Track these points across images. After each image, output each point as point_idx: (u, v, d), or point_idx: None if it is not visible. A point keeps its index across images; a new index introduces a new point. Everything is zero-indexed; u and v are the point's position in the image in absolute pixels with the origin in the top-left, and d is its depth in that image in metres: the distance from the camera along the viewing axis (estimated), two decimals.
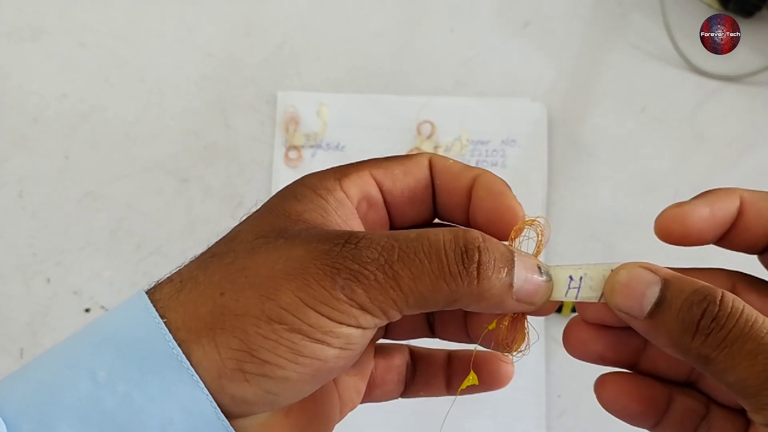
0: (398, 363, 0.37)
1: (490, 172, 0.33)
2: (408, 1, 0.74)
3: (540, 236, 0.32)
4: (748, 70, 0.70)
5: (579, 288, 0.31)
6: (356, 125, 0.69)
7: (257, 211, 0.32)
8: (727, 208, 0.32)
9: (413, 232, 0.29)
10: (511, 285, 0.29)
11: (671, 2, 0.71)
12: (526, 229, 0.32)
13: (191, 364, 0.27)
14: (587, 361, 0.35)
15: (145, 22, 0.73)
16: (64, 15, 0.73)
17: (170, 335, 0.28)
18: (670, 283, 0.29)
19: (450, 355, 0.37)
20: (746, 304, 0.28)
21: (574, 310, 0.62)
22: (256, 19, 0.73)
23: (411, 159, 0.33)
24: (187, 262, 0.32)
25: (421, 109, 0.70)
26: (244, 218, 0.32)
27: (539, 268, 0.30)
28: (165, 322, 0.28)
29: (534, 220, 0.32)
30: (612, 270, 0.30)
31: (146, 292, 0.30)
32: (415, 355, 0.38)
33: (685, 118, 0.70)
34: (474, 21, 0.73)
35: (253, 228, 0.31)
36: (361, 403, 0.36)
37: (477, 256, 0.28)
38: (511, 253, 0.29)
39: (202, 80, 0.71)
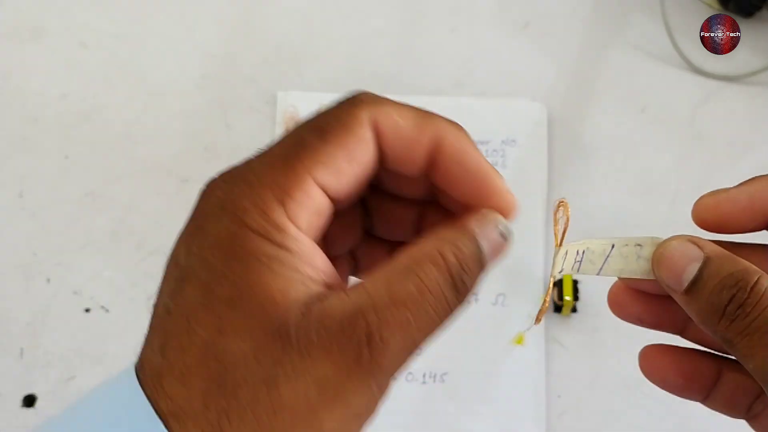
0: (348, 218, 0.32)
1: (446, 126, 0.29)
2: (408, 1, 0.74)
3: (567, 219, 0.32)
4: (748, 70, 0.70)
5: (581, 262, 0.32)
6: None
7: (217, 287, 0.26)
8: (767, 196, 0.32)
9: (410, 283, 0.26)
10: (485, 266, 0.29)
11: (671, 2, 0.71)
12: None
13: None
14: (628, 322, 0.35)
15: (145, 22, 0.73)
16: (64, 15, 0.73)
17: None
18: (711, 262, 0.29)
19: (421, 214, 0.33)
20: None
21: (574, 309, 0.62)
22: (256, 19, 0.73)
23: (352, 133, 0.28)
24: (146, 350, 0.27)
25: None
26: (189, 285, 0.27)
27: (502, 235, 0.29)
28: None
29: (563, 202, 0.32)
30: (613, 245, 0.31)
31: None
32: (359, 262, 0.34)
33: (685, 118, 0.70)
34: (474, 21, 0.73)
35: (241, 332, 0.26)
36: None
37: (465, 285, 0.28)
38: (478, 246, 0.28)
39: (202, 80, 0.71)
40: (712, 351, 0.34)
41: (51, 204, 0.68)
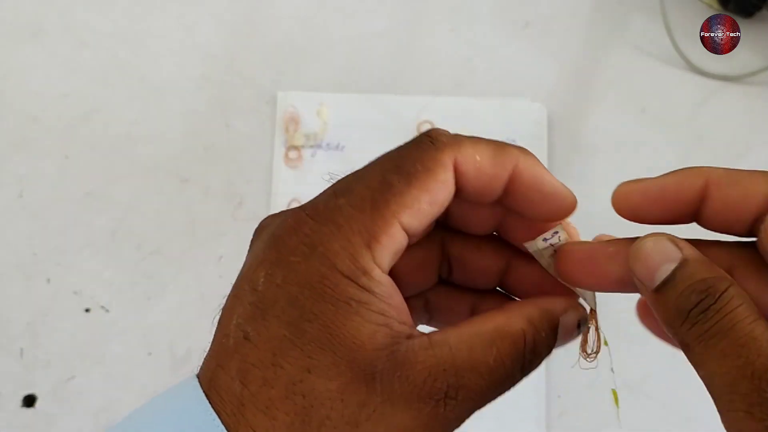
0: (421, 257, 0.33)
1: (523, 156, 0.30)
2: (408, 1, 0.74)
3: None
4: (748, 70, 0.70)
5: (549, 240, 0.32)
6: (356, 125, 0.69)
7: (305, 322, 0.27)
8: (684, 189, 0.31)
9: (490, 355, 0.28)
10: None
11: (671, 2, 0.71)
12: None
13: None
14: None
15: (145, 22, 0.73)
16: (64, 15, 0.73)
17: None
18: (686, 264, 0.28)
19: (474, 305, 0.34)
20: (747, 304, 0.26)
21: None
22: (256, 19, 0.73)
23: (434, 177, 0.29)
24: (238, 386, 0.27)
25: (421, 109, 0.70)
26: (281, 325, 0.27)
27: (579, 325, 0.31)
28: None
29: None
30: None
31: None
32: (431, 306, 0.35)
33: (685, 118, 0.70)
34: (474, 21, 0.73)
35: (329, 372, 0.26)
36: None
37: (533, 363, 0.30)
38: (556, 332, 0.30)
39: (202, 80, 0.71)
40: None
41: (51, 204, 0.68)
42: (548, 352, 0.30)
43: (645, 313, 0.33)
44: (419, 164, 0.29)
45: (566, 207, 0.32)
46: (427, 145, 0.30)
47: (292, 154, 0.69)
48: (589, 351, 0.32)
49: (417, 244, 0.31)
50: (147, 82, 0.71)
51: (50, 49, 0.72)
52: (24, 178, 0.68)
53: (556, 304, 0.31)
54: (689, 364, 0.30)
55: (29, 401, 0.62)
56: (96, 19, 0.73)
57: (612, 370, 0.33)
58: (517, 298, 0.34)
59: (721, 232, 0.31)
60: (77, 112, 0.70)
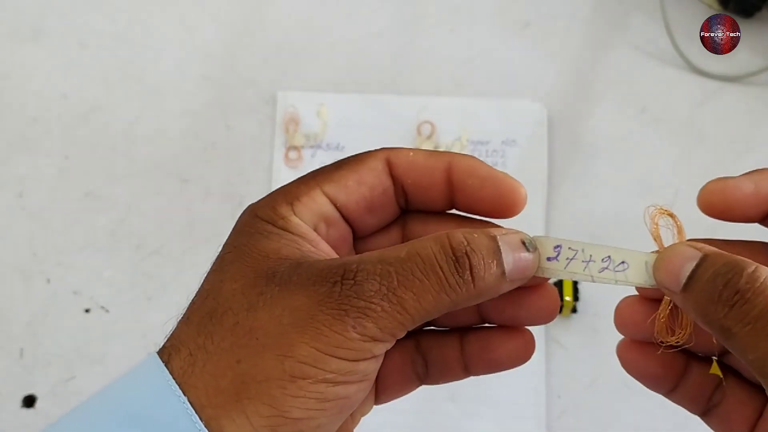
0: (398, 363, 0.35)
1: (457, 154, 0.33)
2: (408, 1, 0.74)
3: (680, 229, 0.32)
4: (748, 70, 0.70)
5: (572, 259, 0.31)
6: (356, 125, 0.69)
7: (226, 254, 0.31)
8: None
9: (402, 250, 0.29)
10: (503, 273, 0.30)
11: (671, 2, 0.71)
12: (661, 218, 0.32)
13: None
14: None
15: (145, 22, 0.73)
16: (64, 15, 0.73)
17: (196, 416, 0.27)
18: (707, 258, 0.29)
19: (462, 337, 0.36)
20: None
21: (575, 310, 0.62)
22: (256, 19, 0.73)
23: (363, 164, 0.33)
24: (176, 322, 0.31)
25: (421, 109, 0.70)
26: (213, 264, 0.31)
27: (524, 243, 0.31)
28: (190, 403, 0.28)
29: (669, 212, 0.32)
30: (611, 253, 0.31)
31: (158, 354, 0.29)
32: (423, 345, 0.36)
33: (685, 118, 0.70)
34: (474, 21, 0.73)
35: (235, 277, 0.30)
36: (377, 404, 0.36)
37: (467, 262, 0.29)
38: (495, 241, 0.30)
39: (202, 80, 0.71)
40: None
41: (51, 204, 0.68)
42: (493, 257, 0.30)
43: (626, 357, 0.34)
44: (351, 157, 0.33)
45: (509, 190, 0.32)
46: (364, 152, 0.34)
47: (292, 154, 0.69)
48: (674, 335, 0.32)
49: (393, 348, 0.33)
50: (147, 82, 0.71)
51: (50, 50, 0.72)
52: (24, 178, 0.68)
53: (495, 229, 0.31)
54: None
55: (29, 401, 0.62)
56: (96, 19, 0.73)
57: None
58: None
59: None
60: (77, 112, 0.70)
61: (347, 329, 0.28)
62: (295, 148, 0.69)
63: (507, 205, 0.32)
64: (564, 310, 0.62)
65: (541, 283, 0.33)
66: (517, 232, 0.31)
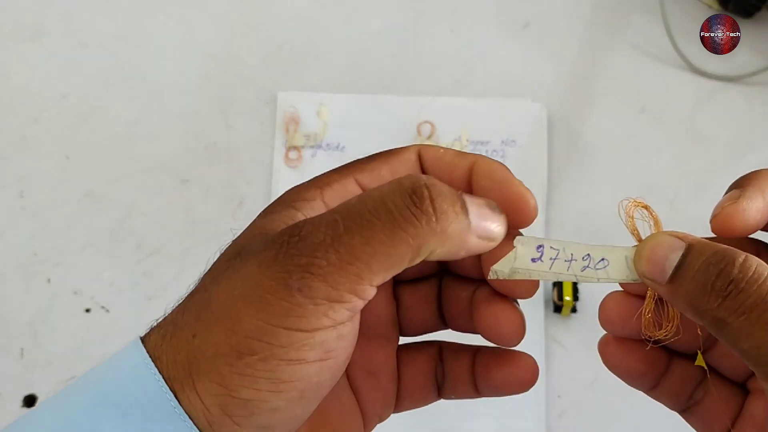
0: (425, 367, 0.34)
1: (485, 157, 0.32)
2: (408, 1, 0.74)
3: (654, 217, 0.31)
4: (748, 70, 0.70)
5: (555, 259, 0.31)
6: (356, 125, 0.69)
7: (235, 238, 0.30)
8: None
9: (354, 198, 0.27)
10: (468, 221, 0.28)
11: (671, 2, 0.71)
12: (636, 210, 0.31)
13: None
14: (617, 335, 0.34)
15: (145, 22, 0.73)
16: (64, 15, 0.73)
17: (170, 391, 0.26)
18: (693, 247, 0.28)
19: (476, 352, 0.34)
20: None
21: (574, 310, 0.62)
22: (256, 19, 0.73)
23: (397, 156, 0.32)
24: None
25: (421, 109, 0.70)
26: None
27: (488, 205, 0.29)
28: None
29: (643, 204, 0.31)
30: (591, 251, 0.30)
31: (141, 338, 0.29)
32: (444, 353, 0.34)
33: (685, 118, 0.70)
34: (474, 21, 0.73)
35: (223, 255, 0.29)
36: (395, 412, 0.35)
37: (427, 193, 0.27)
38: (457, 191, 0.28)
39: (202, 80, 0.71)
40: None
41: (51, 204, 0.68)
42: (451, 200, 0.27)
43: (608, 354, 0.34)
44: (384, 150, 0.32)
45: (517, 196, 0.31)
46: (398, 147, 0.33)
47: (293, 154, 0.69)
48: (659, 328, 0.31)
49: (417, 350, 0.33)
50: (147, 82, 0.71)
51: (51, 50, 0.72)
52: (24, 178, 0.68)
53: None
54: None
55: (29, 401, 0.62)
56: (96, 19, 0.73)
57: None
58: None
59: None
60: (77, 112, 0.70)
61: (292, 293, 0.25)
62: (295, 148, 0.69)
63: (514, 212, 0.30)
64: (564, 310, 0.62)
65: (529, 292, 0.32)
66: (483, 197, 0.30)
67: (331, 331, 0.26)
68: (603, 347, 0.35)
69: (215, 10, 0.74)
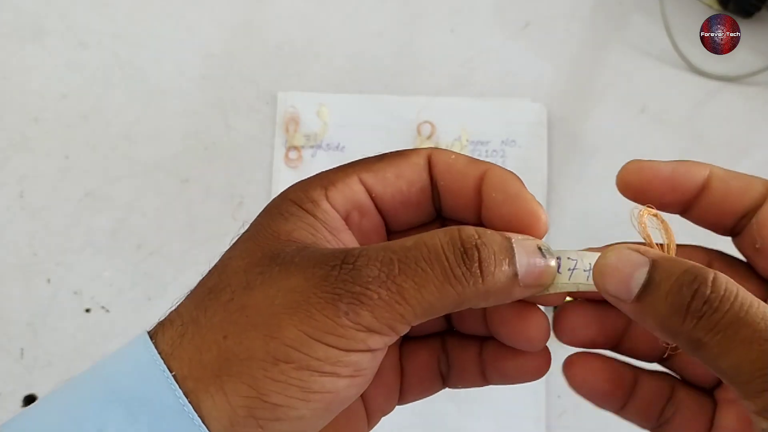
0: (428, 359, 0.35)
1: (497, 166, 0.31)
2: (408, 1, 0.74)
3: (666, 228, 0.31)
4: (748, 70, 0.70)
5: (573, 269, 0.30)
6: (356, 125, 0.69)
7: (245, 232, 0.31)
8: (691, 176, 0.32)
9: (409, 240, 0.28)
10: (515, 274, 0.29)
11: (671, 2, 0.71)
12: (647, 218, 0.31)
13: (201, 416, 0.26)
14: (576, 347, 0.35)
15: (145, 22, 0.73)
16: (64, 15, 0.73)
17: (180, 391, 0.27)
18: (659, 264, 0.28)
19: (482, 342, 0.34)
20: (741, 287, 0.26)
21: None
22: (256, 19, 0.73)
23: (405, 159, 0.32)
24: (182, 297, 0.30)
25: (421, 109, 0.70)
26: (233, 241, 0.31)
27: (540, 249, 0.29)
28: (174, 375, 0.27)
29: (654, 211, 0.31)
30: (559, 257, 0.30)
31: (149, 334, 0.29)
32: (448, 344, 0.35)
33: (685, 118, 0.70)
34: (474, 21, 0.73)
35: (243, 255, 0.29)
36: (400, 404, 0.35)
37: (477, 254, 0.28)
38: (509, 240, 0.29)
39: (202, 80, 0.71)
40: (632, 361, 0.34)
41: (51, 204, 0.68)
42: (506, 255, 0.28)
43: (573, 375, 0.35)
44: (394, 151, 0.32)
45: (528, 212, 0.31)
46: (409, 149, 0.33)
47: (293, 154, 0.69)
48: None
49: (419, 344, 0.33)
50: (147, 82, 0.71)
51: (51, 50, 0.72)
52: (24, 178, 0.68)
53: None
54: None
55: (29, 401, 0.62)
56: (96, 19, 0.73)
57: None
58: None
59: (706, 227, 0.32)
60: (77, 112, 0.70)
61: (339, 315, 0.27)
62: (295, 148, 0.69)
63: (524, 228, 0.30)
64: None
65: (556, 302, 0.32)
66: (534, 239, 0.30)
67: (365, 354, 0.28)
68: (567, 369, 0.35)
69: (215, 10, 0.74)
